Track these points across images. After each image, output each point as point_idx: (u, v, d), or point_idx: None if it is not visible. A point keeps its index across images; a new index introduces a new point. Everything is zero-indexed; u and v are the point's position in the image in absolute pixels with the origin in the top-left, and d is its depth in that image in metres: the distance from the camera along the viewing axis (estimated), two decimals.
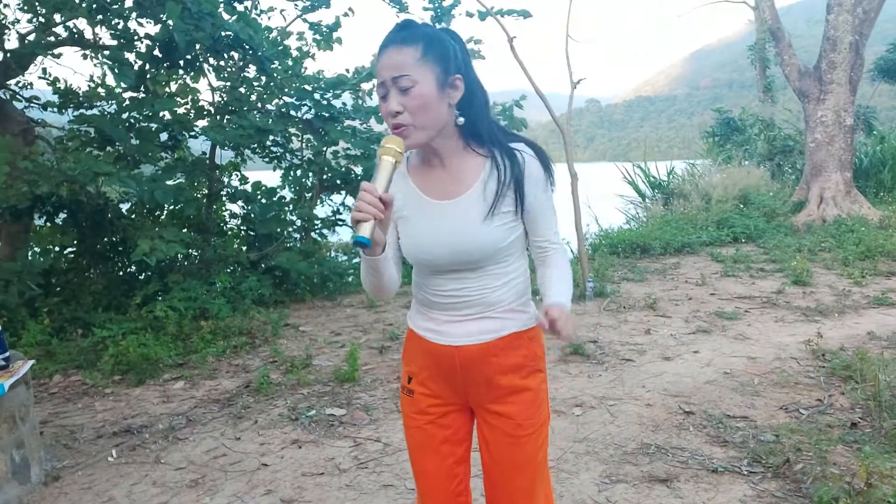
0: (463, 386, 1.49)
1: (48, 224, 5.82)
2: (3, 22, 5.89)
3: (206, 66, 6.56)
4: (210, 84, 6.90)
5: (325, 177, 7.81)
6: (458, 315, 1.45)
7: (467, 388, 1.49)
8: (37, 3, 5.57)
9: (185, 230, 6.25)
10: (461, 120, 1.37)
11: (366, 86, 7.65)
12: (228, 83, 6.87)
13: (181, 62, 6.12)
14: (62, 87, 6.38)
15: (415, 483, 1.59)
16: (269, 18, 7.36)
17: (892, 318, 5.02)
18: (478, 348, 1.44)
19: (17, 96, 6.30)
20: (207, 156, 6.91)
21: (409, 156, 1.48)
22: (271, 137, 7.11)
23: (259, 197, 7.29)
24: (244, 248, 7.07)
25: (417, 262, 1.46)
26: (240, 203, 7.31)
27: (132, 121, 6.07)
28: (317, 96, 7.22)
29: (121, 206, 6.21)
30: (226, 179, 7.30)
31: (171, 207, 6.29)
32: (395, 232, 1.47)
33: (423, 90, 1.29)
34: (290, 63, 7.06)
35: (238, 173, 7.43)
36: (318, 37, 7.40)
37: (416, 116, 1.30)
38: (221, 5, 5.97)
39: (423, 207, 1.42)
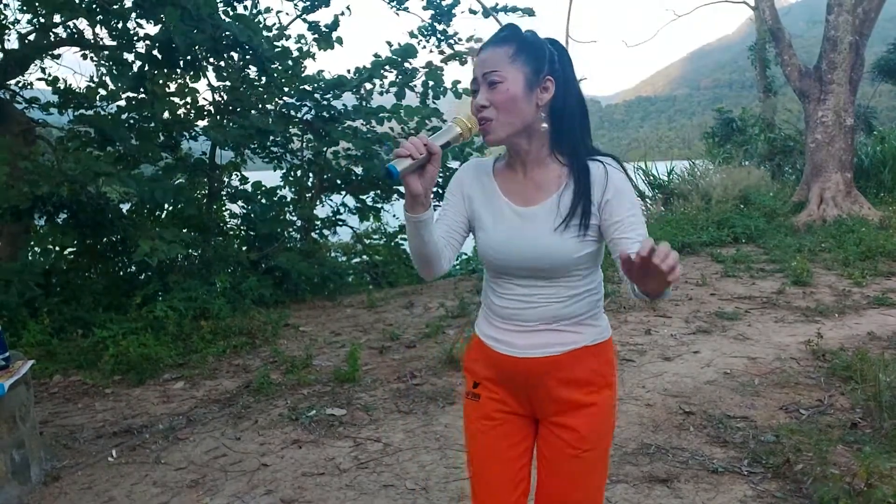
0: (526, 397, 1.46)
1: (49, 224, 5.82)
2: (4, 22, 5.90)
3: (206, 66, 6.57)
4: (210, 84, 6.91)
5: (325, 177, 7.82)
6: (524, 325, 1.42)
7: (531, 399, 1.46)
8: (37, 4, 5.57)
9: (185, 230, 6.25)
10: (545, 126, 1.38)
11: (367, 86, 7.66)
12: (228, 84, 6.88)
13: (181, 63, 6.13)
14: (62, 87, 6.38)
15: (471, 491, 1.53)
16: (265, 19, 7.36)
17: (892, 318, 5.01)
18: (543, 361, 1.40)
19: (18, 97, 6.31)
20: (207, 156, 6.92)
21: (497, 159, 1.51)
22: (271, 138, 7.11)
23: (259, 197, 7.30)
24: (244, 248, 7.08)
25: (489, 263, 1.45)
26: (240, 203, 7.31)
27: (132, 121, 6.07)
28: (317, 97, 7.23)
29: (121, 206, 6.21)
30: (226, 179, 7.31)
31: (172, 207, 6.29)
32: (459, 216, 1.48)
33: (509, 87, 1.33)
34: (290, 63, 7.07)
35: (238, 173, 7.44)
36: (317, 36, 7.40)
37: (500, 111, 1.34)
38: (220, 6, 5.98)
39: (501, 209, 1.43)
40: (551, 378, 1.41)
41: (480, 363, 1.51)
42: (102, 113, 6.18)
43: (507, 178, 1.45)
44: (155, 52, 5.97)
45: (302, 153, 7.74)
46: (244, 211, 7.30)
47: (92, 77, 6.61)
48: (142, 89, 6.16)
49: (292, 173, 7.70)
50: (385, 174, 1.25)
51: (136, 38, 6.01)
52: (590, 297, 1.43)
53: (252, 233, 7.20)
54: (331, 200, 8.03)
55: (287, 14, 7.57)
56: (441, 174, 7.35)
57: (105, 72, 6.29)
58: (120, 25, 5.94)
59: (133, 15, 5.86)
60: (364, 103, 7.59)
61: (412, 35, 7.94)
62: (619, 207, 1.34)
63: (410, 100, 7.58)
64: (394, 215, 8.53)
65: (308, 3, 7.41)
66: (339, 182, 7.86)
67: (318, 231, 7.96)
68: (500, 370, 1.46)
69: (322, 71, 7.54)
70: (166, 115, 6.14)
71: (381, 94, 7.75)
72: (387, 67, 7.60)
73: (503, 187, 1.45)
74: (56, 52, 6.33)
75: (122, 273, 6.16)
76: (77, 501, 2.74)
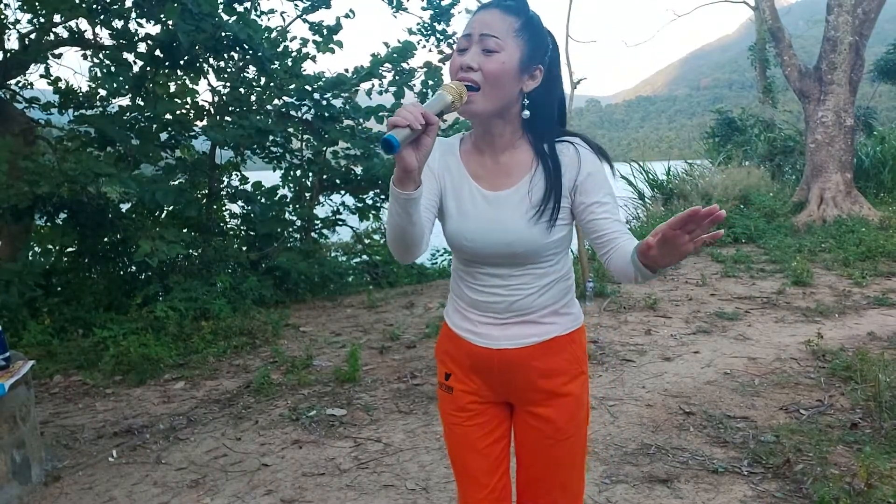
0: (502, 386, 1.47)
1: (49, 224, 5.82)
2: (4, 22, 5.89)
3: (206, 66, 6.56)
4: (210, 84, 6.91)
5: (324, 177, 7.82)
6: (499, 318, 1.42)
7: (506, 388, 1.47)
8: (37, 4, 5.57)
9: (185, 230, 6.26)
10: (526, 113, 1.34)
11: (364, 86, 7.66)
12: (228, 83, 6.88)
13: (181, 62, 6.12)
14: (62, 87, 6.38)
15: (456, 483, 1.56)
16: (269, 20, 7.36)
17: (892, 318, 5.02)
18: (519, 352, 1.41)
19: (18, 97, 6.31)
20: (207, 156, 6.92)
21: (462, 138, 1.46)
22: (271, 138, 7.11)
23: (259, 197, 7.30)
24: (244, 248, 7.08)
25: (461, 251, 1.42)
26: (240, 203, 7.31)
27: (132, 121, 6.07)
28: (316, 96, 7.23)
29: (121, 206, 6.21)
30: (226, 179, 7.31)
31: (172, 208, 6.29)
32: (433, 196, 1.39)
33: (505, 60, 1.27)
34: (289, 63, 7.07)
35: (238, 173, 7.44)
36: (318, 38, 7.40)
37: (487, 81, 1.27)
38: (221, 6, 5.97)
39: (471, 195, 1.39)
40: (527, 367, 1.42)
41: (454, 354, 1.51)
42: (103, 113, 6.19)
43: (474, 161, 1.41)
44: (157, 53, 5.97)
45: (301, 153, 7.74)
46: (244, 211, 7.30)
47: (93, 77, 6.61)
48: (142, 89, 6.16)
49: (292, 173, 7.70)
50: (385, 146, 1.10)
51: (136, 38, 6.01)
52: (561, 283, 1.44)
53: (252, 233, 7.20)
54: (331, 200, 8.03)
55: (287, 15, 7.54)
56: None
57: (106, 72, 6.29)
58: (120, 25, 5.94)
59: (133, 15, 5.86)
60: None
61: (411, 32, 7.93)
62: (592, 189, 1.33)
63: (409, 100, 7.57)
64: None
65: (308, 3, 7.41)
66: (338, 182, 7.86)
67: (318, 231, 7.96)
68: (475, 361, 1.46)
69: (322, 71, 7.55)
70: (167, 115, 6.14)
71: (379, 93, 7.75)
72: (386, 65, 7.59)
73: (471, 170, 1.40)
74: (56, 51, 6.33)
75: (122, 273, 6.17)
76: (78, 501, 2.74)
